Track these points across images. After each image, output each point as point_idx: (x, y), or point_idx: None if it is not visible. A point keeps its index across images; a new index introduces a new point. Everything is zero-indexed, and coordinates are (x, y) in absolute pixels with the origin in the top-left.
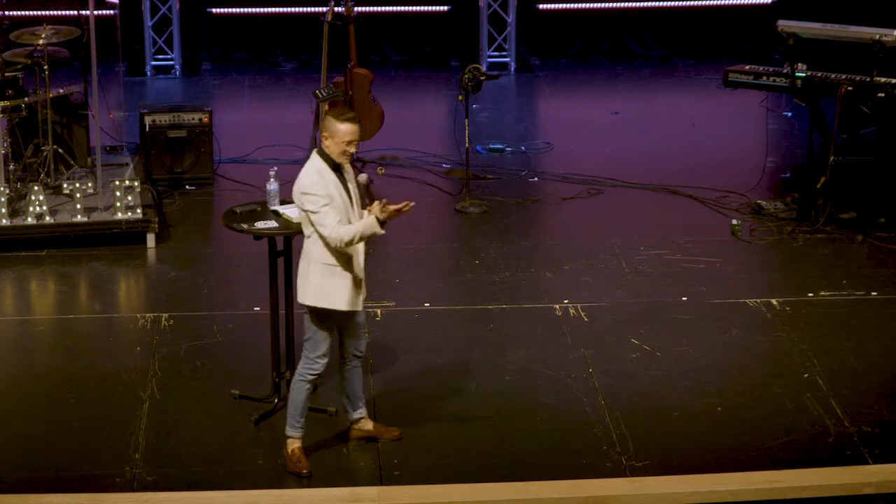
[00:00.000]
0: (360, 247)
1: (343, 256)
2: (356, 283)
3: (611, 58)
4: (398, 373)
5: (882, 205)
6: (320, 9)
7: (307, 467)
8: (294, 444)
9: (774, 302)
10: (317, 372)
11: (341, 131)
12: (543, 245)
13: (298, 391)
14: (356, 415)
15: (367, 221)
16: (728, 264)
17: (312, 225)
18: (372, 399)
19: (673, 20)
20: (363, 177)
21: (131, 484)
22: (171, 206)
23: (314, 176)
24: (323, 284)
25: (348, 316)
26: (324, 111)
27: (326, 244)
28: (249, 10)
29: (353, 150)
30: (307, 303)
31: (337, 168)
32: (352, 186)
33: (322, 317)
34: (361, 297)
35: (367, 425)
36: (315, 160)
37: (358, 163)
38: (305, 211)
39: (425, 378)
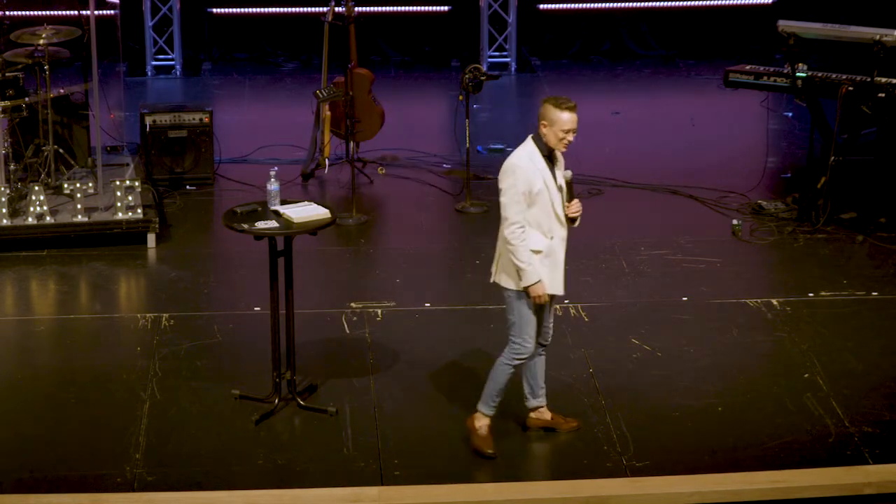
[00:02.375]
0: (562, 232)
1: (544, 241)
2: (555, 266)
3: (611, 58)
4: (399, 373)
5: (883, 205)
6: (321, 9)
7: (492, 448)
8: (484, 421)
9: (775, 302)
10: (525, 355)
11: (562, 119)
12: None
13: (502, 373)
14: (535, 403)
15: (533, 274)
16: (728, 264)
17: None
18: (373, 399)
19: (673, 20)
20: (568, 173)
21: (132, 484)
22: (171, 206)
23: (524, 160)
24: (509, 267)
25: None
26: (324, 112)
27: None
28: (250, 10)
29: (572, 138)
30: (510, 286)
31: (549, 155)
32: (559, 175)
33: (523, 299)
34: (560, 281)
35: (546, 415)
36: (529, 145)
37: (358, 163)
38: (500, 189)
39: (426, 378)
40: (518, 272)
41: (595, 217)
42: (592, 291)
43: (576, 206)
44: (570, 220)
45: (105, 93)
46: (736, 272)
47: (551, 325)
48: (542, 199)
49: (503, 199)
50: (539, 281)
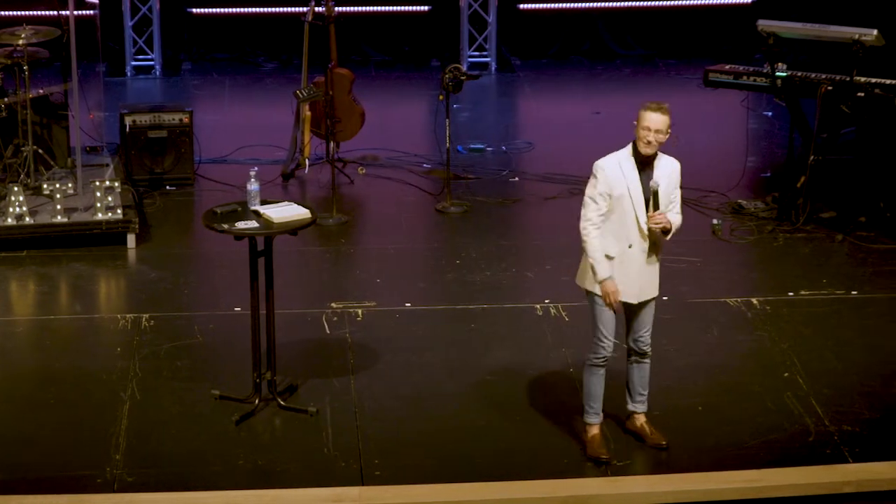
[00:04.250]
0: (642, 242)
1: (618, 248)
2: (627, 275)
3: (591, 57)
4: (379, 373)
5: (862, 204)
6: (301, 9)
7: (607, 453)
8: (593, 430)
9: (755, 301)
10: (601, 355)
11: (643, 117)
12: (524, 245)
13: (587, 375)
14: (629, 407)
15: (604, 271)
16: (709, 264)
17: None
18: (354, 399)
19: (653, 20)
20: (655, 183)
21: (112, 485)
22: (151, 206)
23: (610, 161)
24: (585, 267)
25: (626, 307)
26: (304, 112)
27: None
28: (230, 10)
29: (652, 138)
30: (584, 285)
31: (644, 161)
32: (654, 185)
33: (595, 299)
34: (635, 290)
35: (636, 422)
36: (625, 149)
37: (339, 163)
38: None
39: (406, 378)
40: (592, 262)
41: (576, 217)
42: (573, 291)
43: (657, 218)
44: (664, 232)
45: (84, 93)
46: (716, 271)
47: (645, 334)
48: (623, 206)
49: (584, 198)
50: (609, 277)
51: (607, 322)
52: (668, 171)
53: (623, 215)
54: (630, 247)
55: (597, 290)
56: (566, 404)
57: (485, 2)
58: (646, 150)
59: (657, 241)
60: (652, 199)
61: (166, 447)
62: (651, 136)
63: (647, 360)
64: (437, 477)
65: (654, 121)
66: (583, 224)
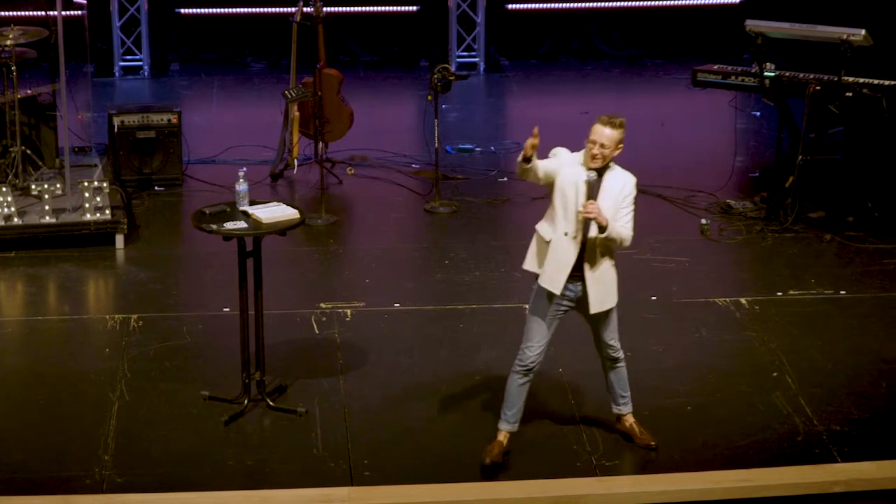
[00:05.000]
0: (576, 233)
1: (551, 233)
2: (559, 265)
3: (580, 58)
4: (368, 373)
5: (850, 204)
6: (289, 9)
7: (490, 457)
8: (498, 436)
9: (744, 301)
10: (523, 362)
11: (591, 130)
12: (513, 245)
13: (509, 382)
14: (614, 410)
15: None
16: (697, 263)
17: None
18: (343, 399)
19: (642, 20)
20: (593, 174)
21: (101, 485)
22: (139, 207)
23: (570, 154)
24: (532, 248)
25: (587, 318)
26: (293, 112)
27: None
28: (218, 10)
29: (596, 151)
30: (525, 266)
31: (595, 170)
32: (590, 176)
33: (534, 292)
34: (561, 282)
35: (625, 423)
36: (583, 152)
37: (327, 163)
38: None
39: (395, 378)
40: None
41: None
42: None
43: (589, 207)
44: (601, 230)
45: (73, 94)
46: (705, 271)
47: (612, 341)
48: (566, 198)
49: None
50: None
51: (537, 327)
52: (617, 183)
53: (566, 209)
54: (565, 234)
55: (539, 278)
56: (554, 404)
57: (473, 2)
58: (590, 164)
59: (605, 244)
60: (586, 188)
61: (155, 448)
62: (596, 149)
63: (622, 364)
64: (426, 477)
65: (599, 134)
66: None
